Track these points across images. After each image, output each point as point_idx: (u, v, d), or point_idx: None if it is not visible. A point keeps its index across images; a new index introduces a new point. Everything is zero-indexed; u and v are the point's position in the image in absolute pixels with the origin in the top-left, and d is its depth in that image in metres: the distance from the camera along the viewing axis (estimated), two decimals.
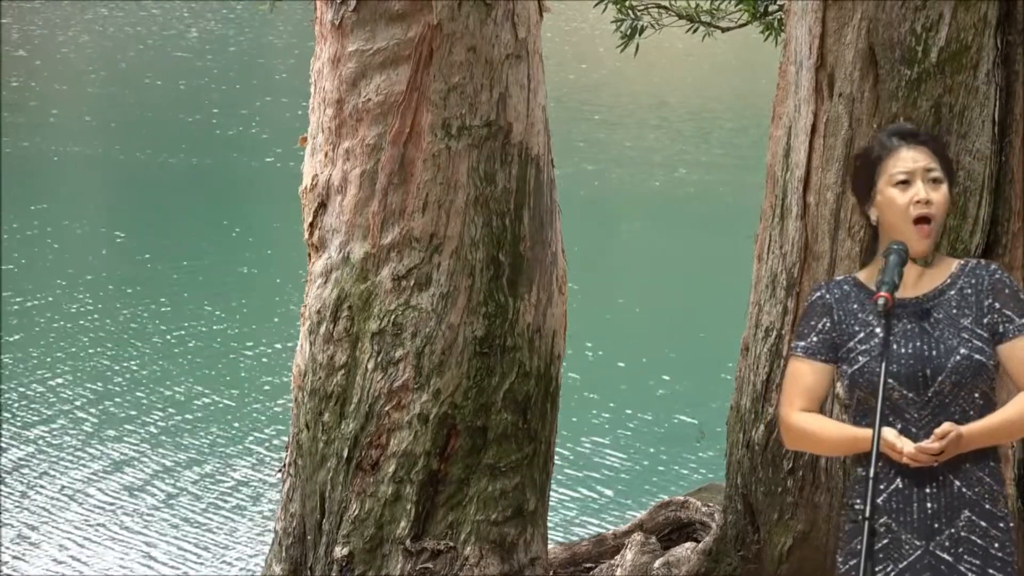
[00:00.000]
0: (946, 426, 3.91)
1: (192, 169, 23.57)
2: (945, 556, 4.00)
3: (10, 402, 12.85)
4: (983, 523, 4.01)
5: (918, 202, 4.03)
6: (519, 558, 5.71)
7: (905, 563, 4.01)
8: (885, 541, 4.02)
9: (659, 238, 20.07)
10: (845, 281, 4.18)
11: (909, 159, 4.08)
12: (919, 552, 4.01)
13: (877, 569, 4.00)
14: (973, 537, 4.00)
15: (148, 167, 23.60)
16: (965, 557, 3.99)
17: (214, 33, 39.01)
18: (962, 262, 4.14)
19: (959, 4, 5.33)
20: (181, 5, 42.97)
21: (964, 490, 4.01)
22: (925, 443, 3.91)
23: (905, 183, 4.06)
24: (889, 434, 3.93)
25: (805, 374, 4.12)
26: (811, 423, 4.09)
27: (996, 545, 4.02)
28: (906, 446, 3.93)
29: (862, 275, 4.15)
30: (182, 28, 39.55)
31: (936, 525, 4.00)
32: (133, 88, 30.79)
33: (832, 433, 4.08)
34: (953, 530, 4.00)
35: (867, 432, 3.98)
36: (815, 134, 5.58)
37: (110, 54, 35.34)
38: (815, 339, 4.12)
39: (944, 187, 4.07)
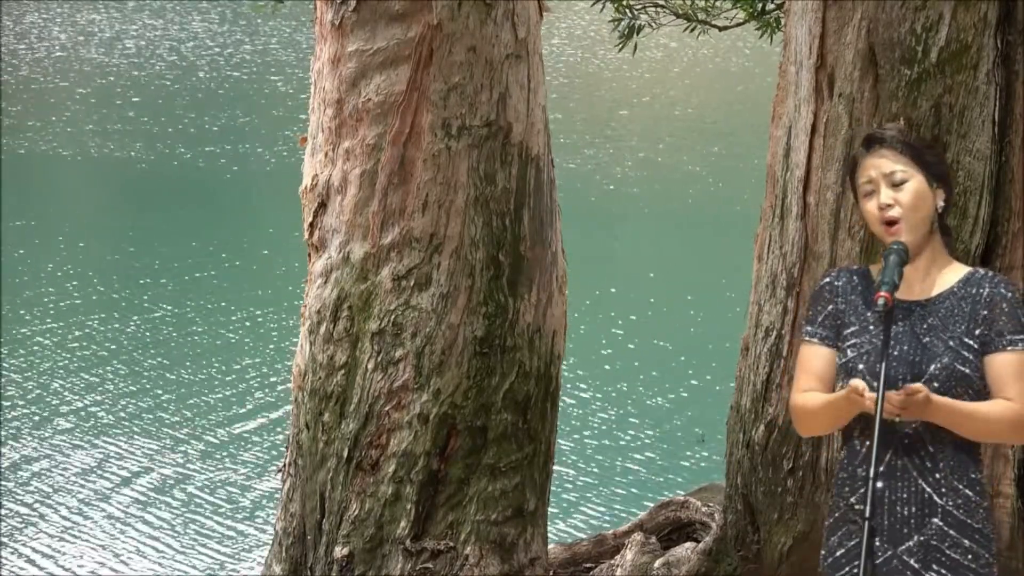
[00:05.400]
0: (918, 386, 3.90)
1: (192, 169, 23.57)
2: (912, 562, 4.01)
3: (8, 402, 12.86)
4: (953, 533, 4.01)
5: (881, 208, 4.06)
6: (519, 558, 5.71)
7: (874, 564, 4.01)
8: (856, 540, 4.03)
9: (659, 238, 20.08)
10: (855, 271, 4.20)
11: (870, 168, 4.11)
12: (887, 555, 4.01)
13: (855, 565, 4.02)
14: (943, 547, 4.00)
15: (149, 168, 23.60)
16: (933, 566, 4.00)
17: (214, 33, 39.00)
18: (971, 271, 4.13)
19: (959, 4, 5.33)
20: (182, 5, 42.97)
21: (936, 499, 4.01)
22: (891, 392, 3.90)
23: (871, 192, 4.09)
24: (858, 384, 3.92)
25: (811, 358, 4.16)
26: (805, 400, 4.11)
27: (970, 557, 4.01)
28: (867, 393, 3.92)
29: (875, 268, 4.16)
30: (180, 28, 39.53)
31: (905, 530, 4.01)
32: (132, 89, 30.79)
33: (816, 402, 4.08)
34: (922, 537, 4.01)
35: (838, 394, 3.99)
36: (815, 134, 5.58)
37: (107, 55, 35.33)
38: (820, 323, 4.15)
39: (911, 184, 4.07)
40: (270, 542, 6.05)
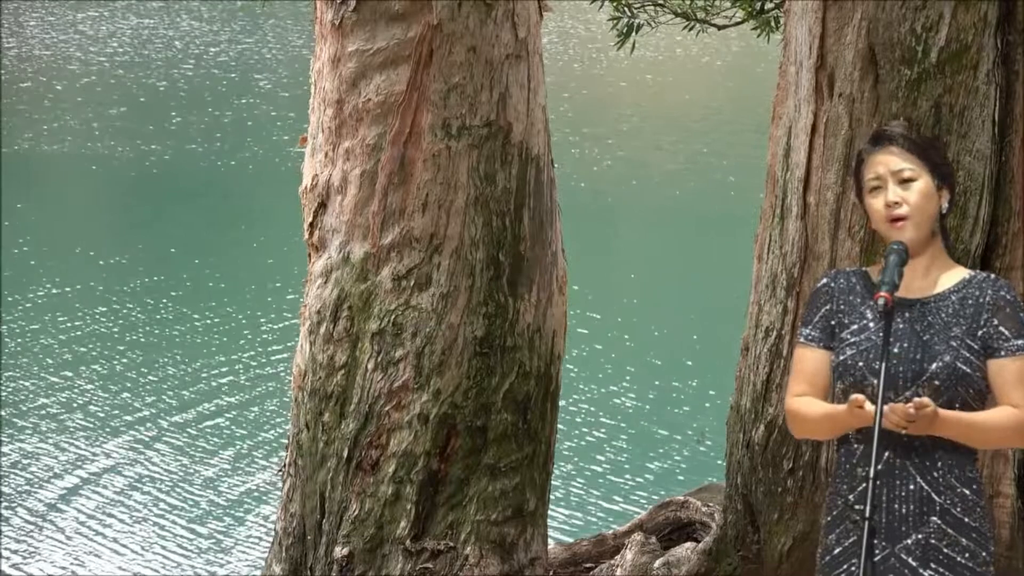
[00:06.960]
0: (925, 400, 3.91)
1: (191, 170, 23.56)
2: (910, 560, 4.01)
3: (8, 402, 12.85)
4: (951, 532, 4.01)
5: (888, 205, 4.06)
6: (519, 558, 5.71)
7: (872, 562, 4.02)
8: (854, 538, 4.03)
9: (659, 238, 20.08)
10: (853, 273, 4.21)
11: (878, 164, 4.11)
12: (885, 553, 4.02)
13: (853, 564, 4.02)
14: (941, 545, 4.01)
15: (131, 166, 23.59)
16: (931, 564, 4.00)
17: (209, 33, 38.99)
18: (973, 273, 4.14)
19: (959, 4, 5.33)
20: (174, 4, 42.97)
21: (934, 496, 4.01)
22: (900, 405, 3.90)
23: (878, 188, 4.10)
24: (859, 396, 3.92)
25: (805, 360, 4.17)
26: (801, 405, 4.13)
27: (967, 555, 4.02)
28: (867, 407, 3.91)
29: (873, 270, 4.17)
30: (169, 26, 39.53)
31: (903, 528, 4.02)
32: (130, 89, 30.79)
33: (815, 412, 4.09)
34: (920, 536, 4.01)
35: (839, 408, 4.00)
36: (815, 134, 5.57)
37: (106, 55, 35.32)
38: (816, 326, 4.16)
39: (918, 184, 4.08)
40: (270, 542, 6.05)
